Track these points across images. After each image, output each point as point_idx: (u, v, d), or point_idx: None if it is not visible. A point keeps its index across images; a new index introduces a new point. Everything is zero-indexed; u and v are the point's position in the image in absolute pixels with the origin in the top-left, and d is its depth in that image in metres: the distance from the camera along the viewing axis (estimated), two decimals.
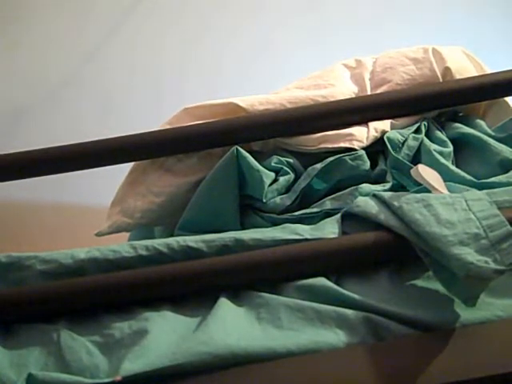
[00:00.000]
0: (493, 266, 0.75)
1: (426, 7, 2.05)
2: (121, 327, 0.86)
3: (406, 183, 1.04)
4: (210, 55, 2.02)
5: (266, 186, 1.06)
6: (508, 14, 2.07)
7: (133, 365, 0.78)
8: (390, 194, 0.93)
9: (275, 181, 1.09)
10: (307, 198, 1.08)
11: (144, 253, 0.92)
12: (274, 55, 2.01)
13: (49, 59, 1.98)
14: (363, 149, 1.10)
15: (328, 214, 1.02)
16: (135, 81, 1.98)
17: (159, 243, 0.93)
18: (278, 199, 1.06)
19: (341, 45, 1.94)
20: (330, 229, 0.94)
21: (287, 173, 1.09)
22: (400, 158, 1.07)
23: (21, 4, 1.97)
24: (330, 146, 1.11)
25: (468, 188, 0.96)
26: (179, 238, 0.94)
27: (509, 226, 0.80)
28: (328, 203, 1.04)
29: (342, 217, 0.96)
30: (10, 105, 1.96)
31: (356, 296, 0.83)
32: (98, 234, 1.16)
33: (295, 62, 1.94)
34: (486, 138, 1.10)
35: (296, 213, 1.04)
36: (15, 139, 1.84)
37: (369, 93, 1.20)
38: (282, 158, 1.11)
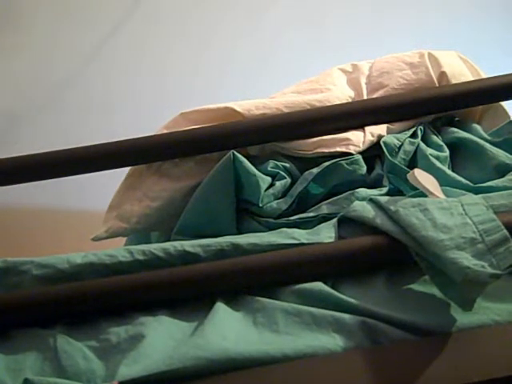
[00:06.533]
0: (489, 270, 0.75)
1: (426, 8, 2.05)
2: (117, 332, 0.85)
3: (402, 188, 1.04)
4: (210, 57, 2.02)
5: (263, 191, 1.06)
6: (505, 19, 2.08)
7: (129, 370, 0.78)
8: (386, 198, 0.93)
9: (272, 185, 1.09)
10: (304, 202, 1.08)
11: (141, 257, 0.92)
12: (275, 59, 2.02)
13: (49, 61, 1.98)
14: (359, 153, 1.10)
15: (324, 218, 1.02)
16: (135, 83, 1.98)
17: (156, 248, 0.93)
18: (274, 204, 1.07)
19: (340, 47, 1.95)
20: (326, 233, 0.93)
21: (283, 177, 1.09)
22: (396, 162, 1.07)
23: (21, 5, 1.97)
24: (326, 150, 1.11)
25: (464, 192, 0.97)
26: (176, 243, 0.94)
27: (505, 231, 0.80)
28: (324, 208, 1.04)
29: (339, 221, 0.96)
30: (10, 107, 1.96)
31: (353, 300, 0.83)
32: (95, 239, 1.16)
33: (295, 65, 1.95)
34: (482, 142, 1.10)
35: (292, 217, 1.04)
36: (15, 142, 1.84)
37: (365, 97, 1.20)
38: (279, 163, 1.11)
